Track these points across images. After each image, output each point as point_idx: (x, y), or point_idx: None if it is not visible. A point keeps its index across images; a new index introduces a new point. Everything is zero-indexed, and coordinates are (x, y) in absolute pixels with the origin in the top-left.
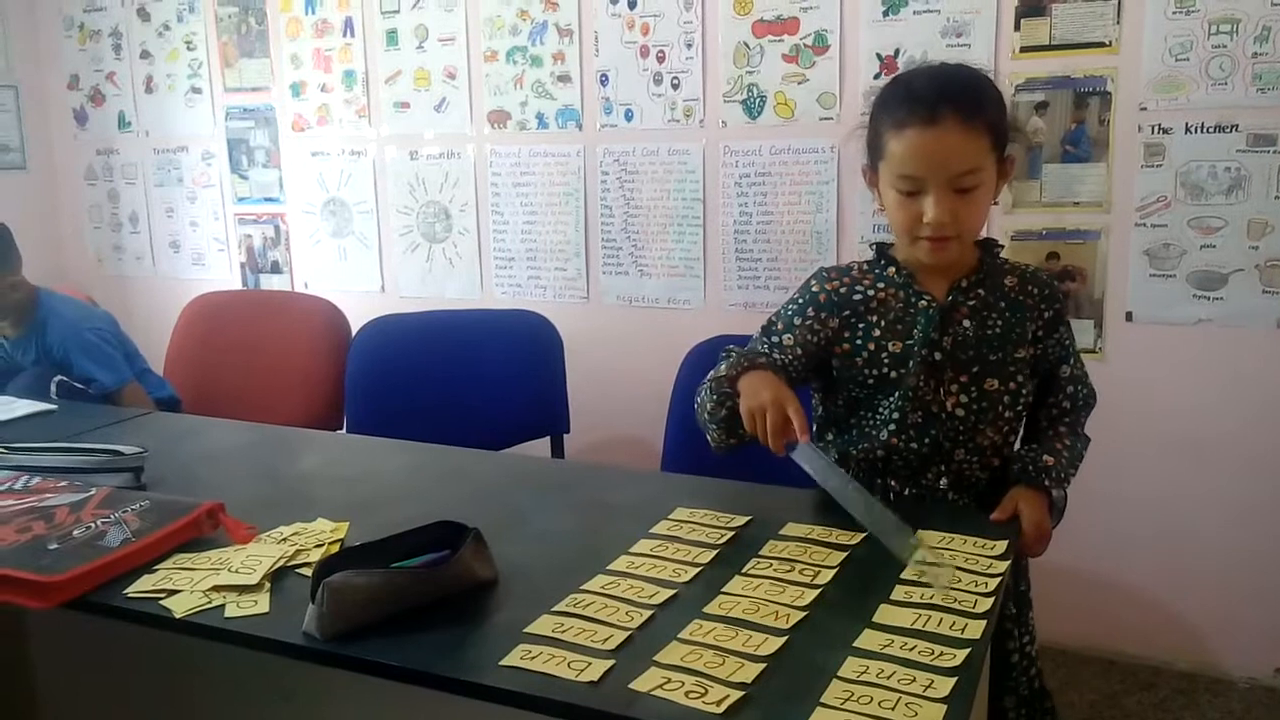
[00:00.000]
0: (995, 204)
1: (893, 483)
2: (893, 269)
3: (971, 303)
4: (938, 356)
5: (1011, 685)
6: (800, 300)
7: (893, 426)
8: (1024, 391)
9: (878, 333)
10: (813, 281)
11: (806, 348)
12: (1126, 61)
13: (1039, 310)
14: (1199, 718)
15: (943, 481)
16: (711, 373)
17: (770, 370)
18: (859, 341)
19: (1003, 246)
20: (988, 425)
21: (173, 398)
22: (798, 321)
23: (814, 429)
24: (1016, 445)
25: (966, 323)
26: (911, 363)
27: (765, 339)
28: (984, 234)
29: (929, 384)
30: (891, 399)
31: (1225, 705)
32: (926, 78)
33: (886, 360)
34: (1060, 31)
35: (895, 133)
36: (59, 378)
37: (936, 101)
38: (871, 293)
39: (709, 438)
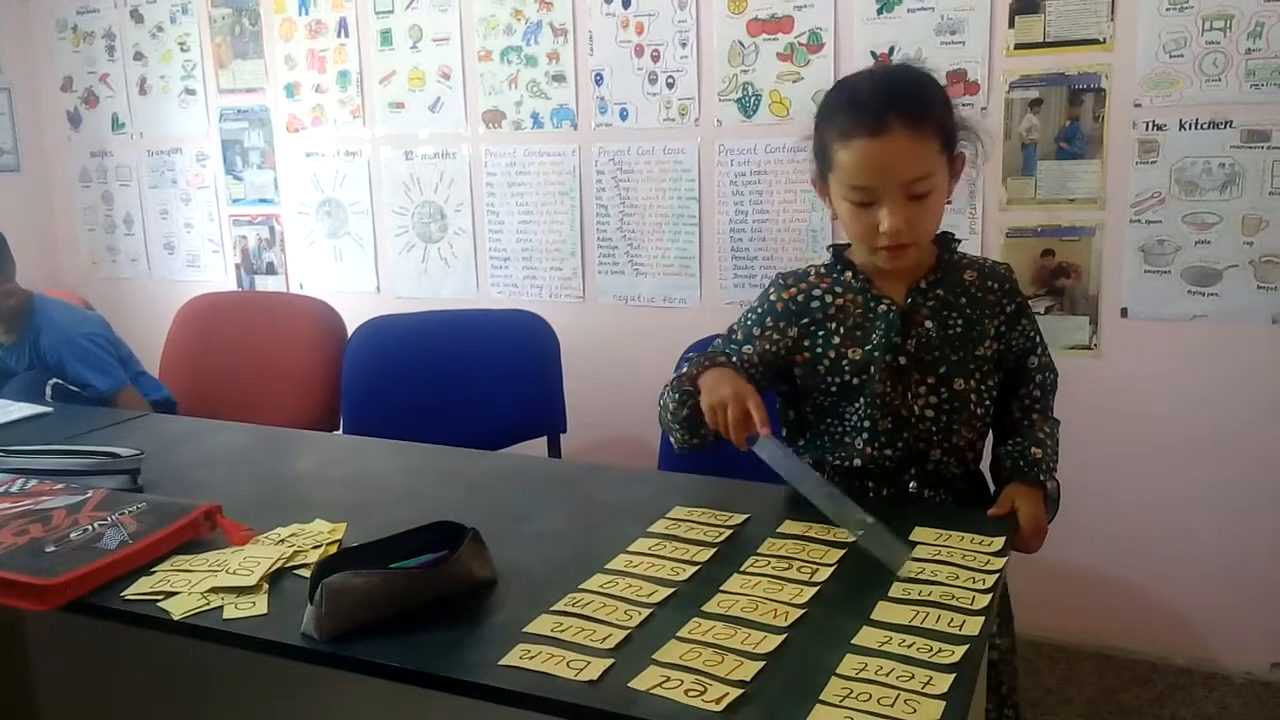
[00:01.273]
0: (949, 203)
1: (870, 483)
2: (850, 273)
3: (931, 303)
4: (902, 361)
5: (993, 685)
6: (759, 309)
7: (865, 435)
8: (989, 386)
9: (837, 340)
10: (770, 290)
11: (765, 357)
12: (1120, 58)
13: (1000, 306)
14: (1196, 713)
15: (912, 485)
16: (674, 375)
17: (731, 367)
18: (819, 350)
19: (959, 240)
20: (961, 425)
21: (168, 400)
22: (757, 332)
23: (783, 434)
24: (988, 440)
25: (928, 324)
26: (873, 368)
27: (726, 347)
28: (980, 229)
29: (896, 389)
30: (857, 405)
31: (1222, 700)
32: (869, 84)
33: (848, 367)
34: (1054, 28)
35: (842, 144)
36: (54, 380)
37: (882, 109)
38: (829, 299)
39: (672, 439)
